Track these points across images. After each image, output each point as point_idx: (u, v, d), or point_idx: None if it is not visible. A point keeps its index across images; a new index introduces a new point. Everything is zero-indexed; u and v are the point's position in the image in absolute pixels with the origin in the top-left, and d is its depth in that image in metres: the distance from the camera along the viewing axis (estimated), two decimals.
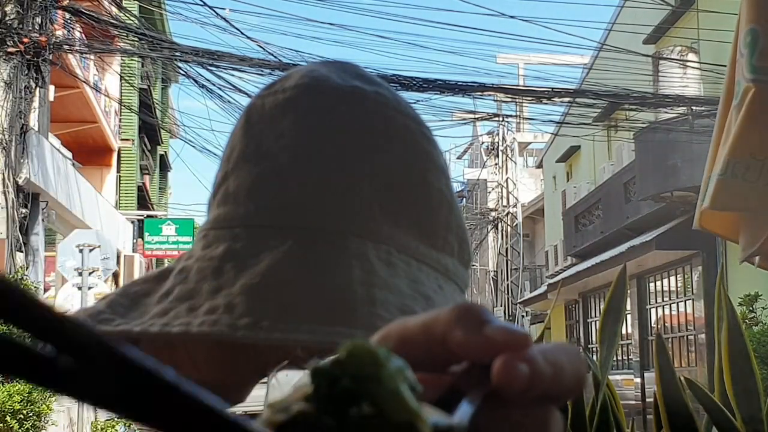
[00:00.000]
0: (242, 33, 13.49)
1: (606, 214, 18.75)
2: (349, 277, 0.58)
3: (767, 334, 10.37)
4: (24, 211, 10.67)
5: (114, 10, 11.54)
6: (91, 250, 11.12)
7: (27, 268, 10.23)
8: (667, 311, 17.58)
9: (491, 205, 31.21)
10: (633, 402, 16.27)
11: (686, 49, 15.34)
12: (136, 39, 11.53)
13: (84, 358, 0.24)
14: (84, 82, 15.11)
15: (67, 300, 10.93)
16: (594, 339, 18.58)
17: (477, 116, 16.34)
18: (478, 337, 0.32)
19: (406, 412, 0.28)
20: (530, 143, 34.80)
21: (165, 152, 31.83)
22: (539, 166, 29.61)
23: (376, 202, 0.62)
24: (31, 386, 8.20)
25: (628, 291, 2.08)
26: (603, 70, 14.82)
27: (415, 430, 0.28)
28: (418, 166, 0.65)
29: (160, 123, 24.33)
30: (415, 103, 2.32)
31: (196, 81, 11.05)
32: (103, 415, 11.48)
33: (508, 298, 29.24)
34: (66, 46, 11.49)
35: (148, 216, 22.66)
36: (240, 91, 11.26)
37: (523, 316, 27.80)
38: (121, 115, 21.76)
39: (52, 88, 12.52)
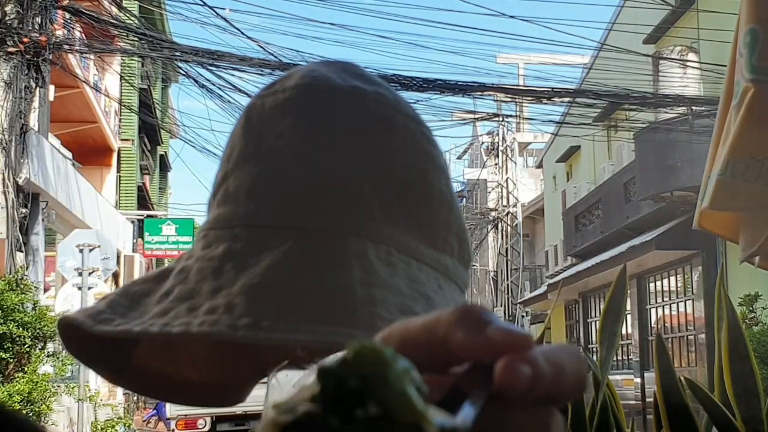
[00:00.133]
0: (242, 33, 13.52)
1: (606, 214, 18.75)
2: (349, 277, 0.57)
3: (767, 334, 10.38)
4: (24, 211, 10.67)
5: (114, 10, 11.54)
6: (91, 250, 11.12)
7: (27, 268, 10.23)
8: (667, 311, 17.58)
9: (491, 205, 31.20)
10: (633, 402, 16.27)
11: (686, 49, 15.33)
12: (136, 39, 11.54)
13: None
14: (84, 82, 15.11)
15: (67, 300, 10.93)
16: (594, 339, 18.57)
17: (477, 116, 16.34)
18: (480, 338, 0.32)
19: (413, 413, 0.28)
20: (530, 143, 34.82)
21: (165, 152, 31.86)
22: (539, 166, 29.61)
23: (376, 202, 0.62)
24: (31, 386, 8.21)
25: (628, 291, 2.09)
26: (603, 70, 14.80)
27: None
28: (418, 166, 0.65)
29: (160, 123, 24.34)
30: (415, 103, 2.32)
31: (196, 81, 11.06)
32: (102, 415, 11.47)
33: (508, 298, 29.23)
34: (66, 46, 11.48)
35: (148, 216, 22.67)
36: (240, 91, 11.26)
37: (523, 316, 27.80)
38: (121, 115, 21.76)
39: (52, 88, 12.52)
